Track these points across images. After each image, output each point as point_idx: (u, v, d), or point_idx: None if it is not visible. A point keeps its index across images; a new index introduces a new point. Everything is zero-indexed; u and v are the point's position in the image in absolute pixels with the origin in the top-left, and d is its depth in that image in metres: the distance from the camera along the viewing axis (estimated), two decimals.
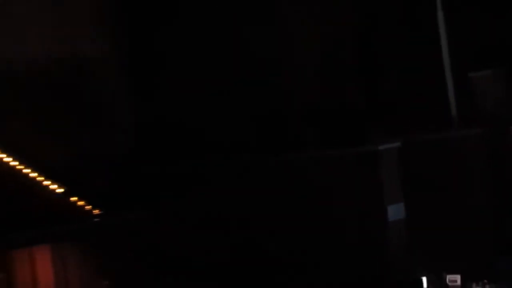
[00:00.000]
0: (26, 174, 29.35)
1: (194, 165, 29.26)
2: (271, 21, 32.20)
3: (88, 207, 28.26)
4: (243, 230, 27.08)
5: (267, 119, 29.55)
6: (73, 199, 28.38)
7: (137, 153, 30.41)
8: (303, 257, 25.54)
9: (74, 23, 31.10)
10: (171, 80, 31.72)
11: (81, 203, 28.29)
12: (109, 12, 31.75)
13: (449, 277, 24.23)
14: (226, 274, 26.80)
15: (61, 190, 28.53)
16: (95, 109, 30.52)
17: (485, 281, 24.33)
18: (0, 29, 31.22)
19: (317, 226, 25.61)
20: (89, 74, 30.73)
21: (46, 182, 28.87)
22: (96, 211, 28.10)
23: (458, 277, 24.13)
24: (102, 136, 30.03)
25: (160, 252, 27.64)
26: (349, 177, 26.07)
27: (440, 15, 30.64)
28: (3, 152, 29.64)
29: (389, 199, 25.45)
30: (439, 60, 29.82)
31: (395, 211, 25.41)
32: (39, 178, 29.05)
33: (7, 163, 29.42)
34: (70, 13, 31.23)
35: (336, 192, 26.04)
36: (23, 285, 28.97)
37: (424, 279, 24.22)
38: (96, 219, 28.06)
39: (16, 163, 29.39)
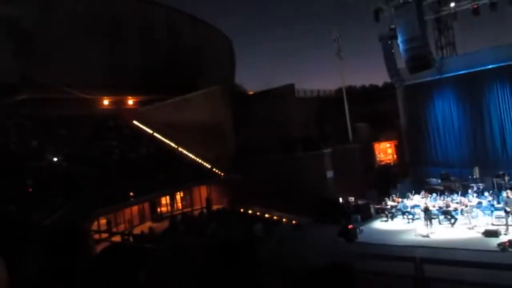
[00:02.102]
0: (198, 161, 31.25)
1: (258, 157, 29.38)
2: (286, 112, 33.19)
3: (219, 172, 30.36)
4: (280, 178, 27.41)
5: (284, 141, 30.33)
6: (214, 169, 30.50)
7: (237, 154, 31.30)
8: (297, 189, 26.21)
9: (220, 109, 32.08)
10: (248, 128, 32.39)
11: (217, 171, 30.45)
12: (227, 104, 32.83)
13: (349, 198, 25.51)
14: (274, 193, 26.60)
15: (209, 166, 30.75)
16: (223, 136, 31.31)
17: (363, 199, 25.60)
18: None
19: (303, 179, 26.91)
20: (221, 125, 31.59)
21: (205, 164, 30.97)
22: (222, 174, 30.21)
23: (352, 198, 25.54)
24: (225, 147, 31.44)
25: (247, 188, 27.78)
26: (314, 162, 27.56)
27: (346, 106, 31.76)
28: (190, 153, 31.51)
29: (327, 169, 27.24)
30: (345, 120, 31.61)
31: (329, 174, 27.29)
32: (203, 162, 31.07)
33: (191, 157, 31.50)
34: (217, 105, 32.28)
35: (310, 167, 27.50)
36: (195, 199, 30.98)
37: (340, 199, 25.58)
38: (222, 177, 30.19)
39: (194, 156, 31.45)
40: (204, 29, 45.39)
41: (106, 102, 35.34)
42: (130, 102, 36.66)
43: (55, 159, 23.95)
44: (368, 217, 24.13)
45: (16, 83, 32.85)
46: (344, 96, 31.80)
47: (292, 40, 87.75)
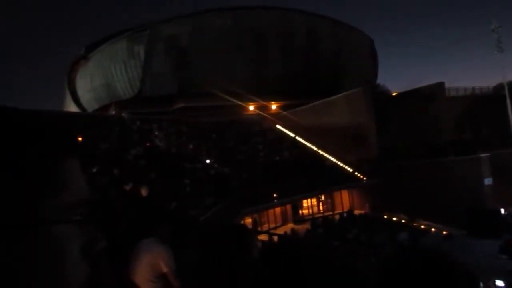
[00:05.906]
0: (340, 165, 31.09)
1: (402, 162, 27.47)
2: (434, 113, 30.71)
3: (361, 176, 29.72)
4: (427, 185, 25.64)
5: (432, 145, 28.14)
6: (356, 173, 29.98)
7: (380, 158, 29.13)
8: (446, 197, 24.48)
9: (361, 111, 30.37)
10: (392, 130, 31.26)
11: (359, 175, 29.85)
12: (369, 106, 30.67)
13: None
14: (419, 200, 25.15)
15: (351, 170, 30.31)
16: (364, 139, 29.91)
17: None
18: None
19: (454, 186, 24.77)
20: (362, 128, 29.93)
21: (346, 167, 30.69)
22: (364, 178, 29.47)
23: None
24: (367, 151, 29.68)
25: (390, 194, 26.52)
26: (468, 168, 25.14)
27: (508, 104, 29.32)
28: (331, 156, 31.62)
29: (485, 176, 24.59)
30: (507, 121, 28.64)
31: (488, 181, 24.56)
32: (344, 166, 30.84)
33: (332, 160, 31.64)
34: (359, 108, 30.65)
35: (463, 174, 25.05)
36: (336, 203, 31.07)
37: (502, 210, 23.37)
38: (364, 181, 29.36)
39: (336, 159, 31.46)
40: (344, 31, 45.54)
41: (251, 108, 37.95)
42: (273, 107, 38.49)
43: (208, 161, 26.21)
44: None
45: (174, 93, 38.49)
46: (506, 92, 28.85)
47: (442, 35, 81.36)
